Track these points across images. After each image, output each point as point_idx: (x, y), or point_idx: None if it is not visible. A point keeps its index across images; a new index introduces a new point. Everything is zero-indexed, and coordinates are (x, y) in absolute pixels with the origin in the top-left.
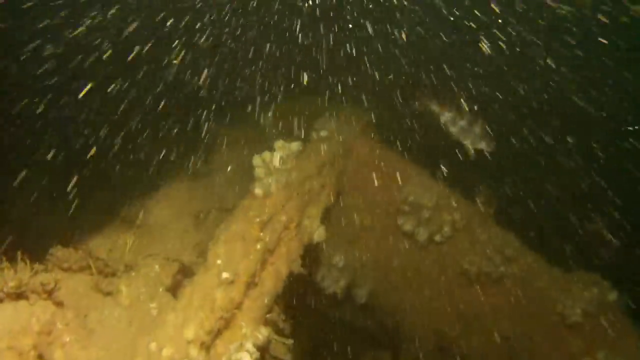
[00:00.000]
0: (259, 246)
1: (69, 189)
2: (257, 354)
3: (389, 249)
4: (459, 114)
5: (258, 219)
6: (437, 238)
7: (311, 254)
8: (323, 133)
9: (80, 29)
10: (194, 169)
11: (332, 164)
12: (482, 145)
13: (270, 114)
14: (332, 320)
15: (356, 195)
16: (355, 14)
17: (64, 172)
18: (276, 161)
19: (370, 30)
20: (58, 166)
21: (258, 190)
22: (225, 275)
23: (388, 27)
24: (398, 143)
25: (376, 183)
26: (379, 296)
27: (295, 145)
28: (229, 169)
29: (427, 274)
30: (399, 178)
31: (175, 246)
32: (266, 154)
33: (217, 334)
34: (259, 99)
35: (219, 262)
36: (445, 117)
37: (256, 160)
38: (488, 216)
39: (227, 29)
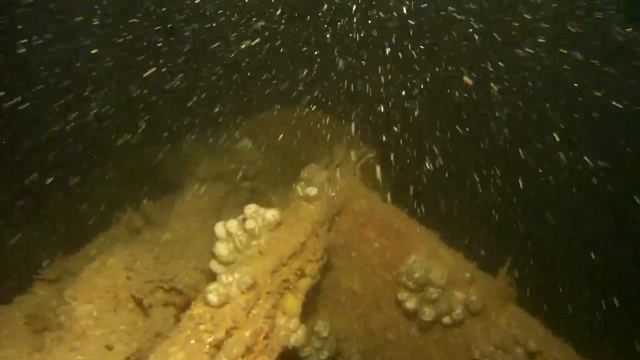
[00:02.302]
0: None
1: None
2: None
3: (383, 320)
4: None
5: (210, 339)
6: (446, 320)
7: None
8: (311, 191)
9: None
10: (145, 216)
11: (319, 235)
12: None
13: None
14: None
15: (348, 255)
16: None
17: None
18: (242, 239)
19: None
20: None
21: (212, 297)
22: None
23: None
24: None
25: (375, 245)
26: None
27: (270, 215)
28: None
29: (428, 355)
30: (403, 243)
31: None
32: (232, 224)
33: None
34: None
35: None
36: None
37: (219, 229)
38: (510, 296)
39: None
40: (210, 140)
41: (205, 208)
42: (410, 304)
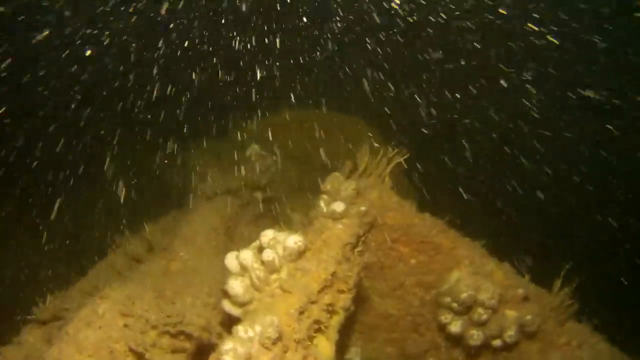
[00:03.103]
0: None
1: None
2: None
3: (422, 345)
4: None
5: None
6: (497, 343)
7: None
8: (337, 207)
9: None
10: (146, 240)
11: (350, 259)
12: None
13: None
14: None
15: (380, 275)
16: None
17: None
18: (260, 273)
19: None
20: None
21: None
22: None
23: None
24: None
25: (411, 262)
26: None
27: (292, 243)
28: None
29: None
30: (443, 258)
31: None
32: (247, 255)
33: None
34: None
35: None
36: None
37: (231, 261)
38: (570, 311)
39: None
40: (215, 146)
41: (214, 228)
42: (455, 327)
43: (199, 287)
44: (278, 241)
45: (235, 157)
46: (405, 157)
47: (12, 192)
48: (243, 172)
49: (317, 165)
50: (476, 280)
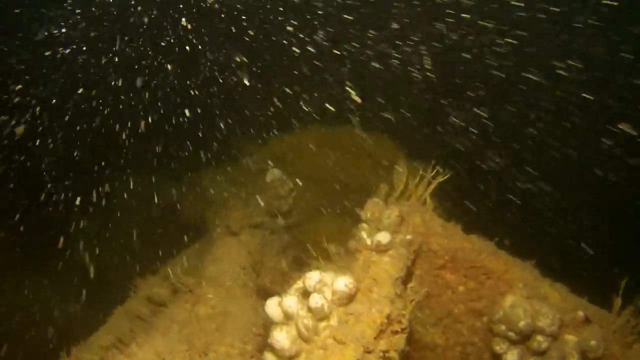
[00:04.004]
0: None
1: None
2: None
3: None
4: None
5: None
6: None
7: None
8: (383, 238)
9: None
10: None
11: (401, 295)
12: None
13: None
14: None
15: (426, 304)
16: None
17: None
18: (307, 322)
19: None
20: None
21: None
22: None
23: None
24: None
25: (459, 289)
26: None
27: (343, 286)
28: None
29: None
30: (495, 283)
31: None
32: (291, 302)
33: None
34: None
35: None
36: None
37: (273, 309)
38: (634, 331)
39: None
40: (231, 172)
41: (242, 265)
42: (512, 357)
43: (233, 333)
44: (325, 284)
45: (254, 183)
46: (447, 176)
47: (25, 231)
48: (265, 199)
49: (339, 186)
50: (532, 305)
